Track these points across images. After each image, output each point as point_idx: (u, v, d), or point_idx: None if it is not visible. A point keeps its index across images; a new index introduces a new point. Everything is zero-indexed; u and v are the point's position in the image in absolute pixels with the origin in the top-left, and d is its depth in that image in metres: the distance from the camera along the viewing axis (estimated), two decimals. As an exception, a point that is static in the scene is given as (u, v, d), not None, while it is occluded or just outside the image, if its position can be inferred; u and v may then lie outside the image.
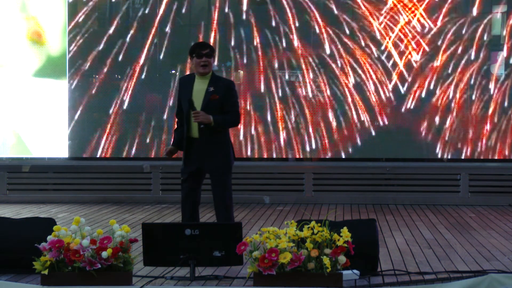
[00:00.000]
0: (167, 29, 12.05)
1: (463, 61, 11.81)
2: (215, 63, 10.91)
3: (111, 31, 12.14)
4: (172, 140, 7.56)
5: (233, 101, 7.31)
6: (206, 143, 7.23)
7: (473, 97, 11.81)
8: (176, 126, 7.55)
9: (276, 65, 12.00)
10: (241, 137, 11.93)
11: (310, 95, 11.96)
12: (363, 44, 11.87)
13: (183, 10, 12.04)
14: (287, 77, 12.01)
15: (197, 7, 12.14)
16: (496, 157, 11.82)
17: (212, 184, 7.34)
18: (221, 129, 7.23)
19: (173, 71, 12.12)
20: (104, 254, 5.83)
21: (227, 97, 7.25)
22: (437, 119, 11.84)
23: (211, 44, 10.05)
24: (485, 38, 11.81)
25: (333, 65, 11.92)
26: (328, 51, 11.92)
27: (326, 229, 5.90)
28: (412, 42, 11.85)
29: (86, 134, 12.18)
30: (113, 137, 12.15)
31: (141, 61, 12.09)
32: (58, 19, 12.17)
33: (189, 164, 7.31)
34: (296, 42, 11.96)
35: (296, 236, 5.88)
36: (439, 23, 11.82)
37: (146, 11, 12.09)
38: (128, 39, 12.11)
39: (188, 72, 11.87)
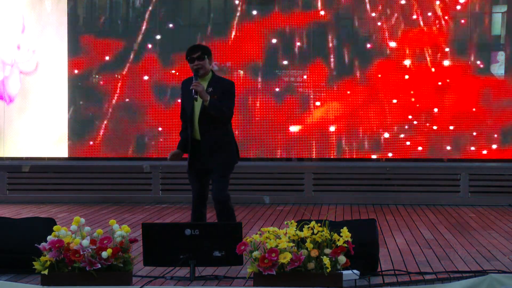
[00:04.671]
0: (169, 26, 12.08)
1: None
2: (216, 62, 10.97)
3: (111, 32, 12.16)
4: (178, 143, 7.56)
5: (226, 98, 7.34)
6: (209, 144, 7.28)
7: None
8: (181, 128, 7.56)
9: (276, 64, 12.02)
10: (241, 137, 11.91)
11: (312, 94, 11.98)
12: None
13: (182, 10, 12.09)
14: (289, 77, 12.03)
15: (197, 7, 12.14)
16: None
17: (213, 182, 7.37)
18: (213, 113, 7.21)
19: (173, 71, 12.11)
20: (104, 254, 5.83)
21: (223, 96, 7.30)
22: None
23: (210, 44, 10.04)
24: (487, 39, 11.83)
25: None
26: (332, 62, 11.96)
27: (326, 229, 5.90)
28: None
29: (86, 134, 12.18)
30: (112, 137, 12.15)
31: (141, 60, 12.12)
32: (58, 18, 12.18)
33: (194, 165, 7.36)
34: (299, 42, 11.98)
35: (296, 236, 5.88)
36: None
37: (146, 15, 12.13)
38: (126, 38, 12.14)
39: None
